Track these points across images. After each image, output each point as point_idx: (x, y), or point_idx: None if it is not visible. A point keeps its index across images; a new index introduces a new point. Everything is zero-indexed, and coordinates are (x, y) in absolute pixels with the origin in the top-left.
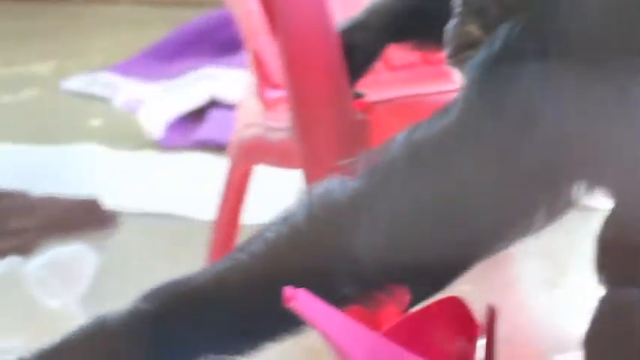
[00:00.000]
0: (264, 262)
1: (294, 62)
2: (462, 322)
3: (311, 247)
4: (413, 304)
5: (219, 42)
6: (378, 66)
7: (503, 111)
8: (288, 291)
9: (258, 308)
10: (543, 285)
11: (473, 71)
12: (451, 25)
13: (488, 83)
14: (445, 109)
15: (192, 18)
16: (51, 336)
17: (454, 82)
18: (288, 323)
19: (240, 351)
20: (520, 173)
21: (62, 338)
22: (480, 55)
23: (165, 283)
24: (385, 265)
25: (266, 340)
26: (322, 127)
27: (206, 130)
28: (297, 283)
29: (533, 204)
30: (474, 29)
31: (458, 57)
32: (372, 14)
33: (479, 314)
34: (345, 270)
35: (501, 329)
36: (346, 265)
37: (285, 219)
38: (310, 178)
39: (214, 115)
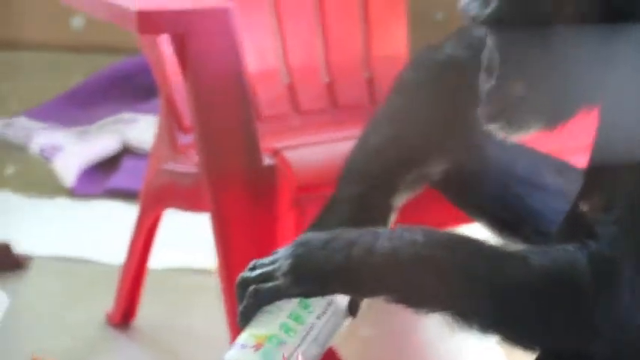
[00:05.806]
0: None
1: (203, 106)
2: None
3: None
4: None
5: (135, 88)
6: (287, 110)
7: None
8: None
9: None
10: (444, 330)
11: None
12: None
13: None
14: None
15: (108, 64)
16: None
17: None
18: None
19: None
20: None
21: None
22: None
23: None
24: None
25: None
26: (230, 171)
27: (118, 179)
28: None
29: None
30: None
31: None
32: None
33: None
34: None
35: None
36: None
37: None
38: (218, 222)
39: (127, 163)
